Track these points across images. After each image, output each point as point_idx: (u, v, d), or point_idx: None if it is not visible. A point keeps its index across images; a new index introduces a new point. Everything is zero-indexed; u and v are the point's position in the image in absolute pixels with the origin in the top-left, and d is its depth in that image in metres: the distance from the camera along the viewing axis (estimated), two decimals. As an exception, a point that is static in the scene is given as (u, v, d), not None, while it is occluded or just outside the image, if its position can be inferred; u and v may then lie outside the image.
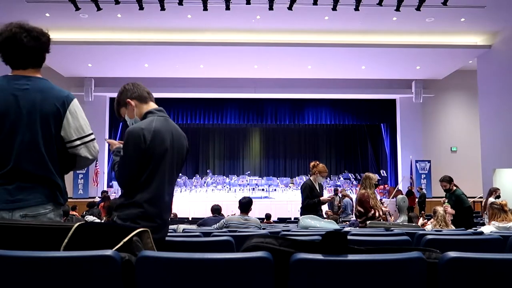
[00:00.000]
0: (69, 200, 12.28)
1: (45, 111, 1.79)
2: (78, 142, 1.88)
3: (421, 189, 13.40)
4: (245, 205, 4.60)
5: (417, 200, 12.77)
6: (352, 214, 8.92)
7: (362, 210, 4.72)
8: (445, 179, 5.82)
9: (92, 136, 1.94)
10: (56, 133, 1.83)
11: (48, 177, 1.80)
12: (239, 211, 4.67)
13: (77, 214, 7.94)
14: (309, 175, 5.38)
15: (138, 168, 1.92)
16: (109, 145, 2.25)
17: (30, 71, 1.87)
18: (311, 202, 5.00)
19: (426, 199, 12.71)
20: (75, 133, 1.87)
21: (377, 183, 5.04)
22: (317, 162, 5.26)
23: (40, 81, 1.86)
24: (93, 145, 1.93)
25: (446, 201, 5.92)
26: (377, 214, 4.70)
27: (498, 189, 8.35)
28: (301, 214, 5.05)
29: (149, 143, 1.91)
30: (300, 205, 5.25)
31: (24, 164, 1.75)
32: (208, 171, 15.74)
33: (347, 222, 6.78)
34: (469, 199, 5.98)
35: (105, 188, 13.74)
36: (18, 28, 1.81)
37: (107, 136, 14.23)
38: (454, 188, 5.75)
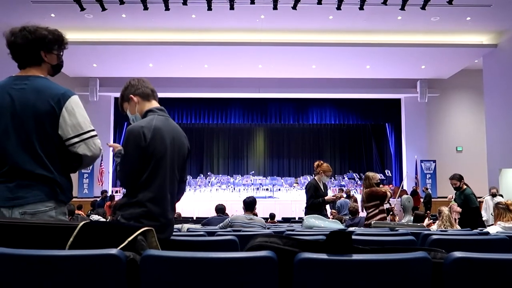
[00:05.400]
0: (74, 199, 12.37)
1: (39, 110, 1.79)
2: (76, 140, 1.84)
3: (427, 189, 13.33)
4: (249, 204, 4.60)
5: (422, 200, 12.70)
6: (349, 214, 8.91)
7: (377, 201, 4.76)
8: (455, 177, 5.77)
9: (92, 133, 1.88)
10: (53, 132, 1.82)
11: (47, 175, 1.79)
12: (243, 210, 4.67)
13: (82, 213, 7.99)
14: (313, 175, 5.38)
15: (139, 166, 1.92)
16: (112, 149, 2.25)
17: (30, 70, 1.89)
18: (315, 202, 5.00)
19: (432, 199, 12.65)
20: (72, 131, 1.83)
21: (378, 181, 5.04)
22: (321, 162, 5.26)
23: (38, 80, 1.86)
24: (93, 142, 1.87)
25: (453, 199, 5.88)
26: (388, 194, 4.85)
27: (494, 187, 8.43)
28: (306, 213, 5.05)
29: (149, 141, 1.92)
30: (305, 205, 5.24)
31: (21, 163, 1.76)
32: (208, 173, 15.72)
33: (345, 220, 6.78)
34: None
35: (110, 188, 13.81)
36: (18, 29, 1.87)
37: (111, 135, 14.30)
38: (464, 187, 5.69)
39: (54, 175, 1.81)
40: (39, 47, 1.88)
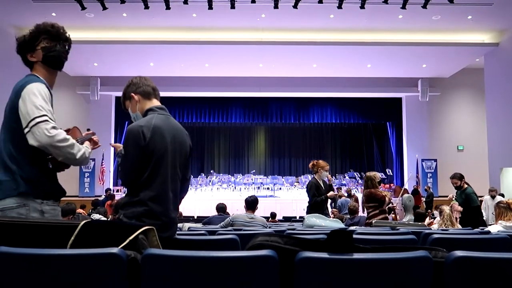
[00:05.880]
0: (75, 198, 12.38)
1: (7, 108, 1.83)
2: (26, 130, 1.70)
3: (429, 188, 13.29)
4: (251, 203, 4.59)
5: (424, 199, 12.67)
6: (349, 214, 8.92)
7: (376, 204, 4.73)
8: (455, 176, 5.74)
9: (38, 119, 1.68)
10: (18, 127, 1.77)
11: (14, 171, 1.78)
12: (244, 209, 4.67)
13: (84, 212, 7.98)
14: (313, 175, 5.39)
15: (140, 165, 1.92)
16: (114, 148, 2.25)
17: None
18: (318, 200, 5.03)
19: (434, 198, 12.61)
20: (24, 121, 1.71)
21: (380, 179, 5.03)
22: (316, 161, 5.28)
23: (22, 79, 1.89)
24: (37, 130, 1.67)
25: (454, 198, 5.86)
26: (387, 199, 4.77)
27: (493, 189, 8.51)
28: (308, 212, 5.05)
29: (149, 140, 1.92)
30: (307, 204, 5.25)
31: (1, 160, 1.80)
32: (211, 171, 15.77)
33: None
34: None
35: (112, 187, 13.81)
36: None
37: (112, 135, 14.30)
38: (465, 186, 5.67)
39: (23, 171, 1.78)
40: (24, 52, 1.93)
